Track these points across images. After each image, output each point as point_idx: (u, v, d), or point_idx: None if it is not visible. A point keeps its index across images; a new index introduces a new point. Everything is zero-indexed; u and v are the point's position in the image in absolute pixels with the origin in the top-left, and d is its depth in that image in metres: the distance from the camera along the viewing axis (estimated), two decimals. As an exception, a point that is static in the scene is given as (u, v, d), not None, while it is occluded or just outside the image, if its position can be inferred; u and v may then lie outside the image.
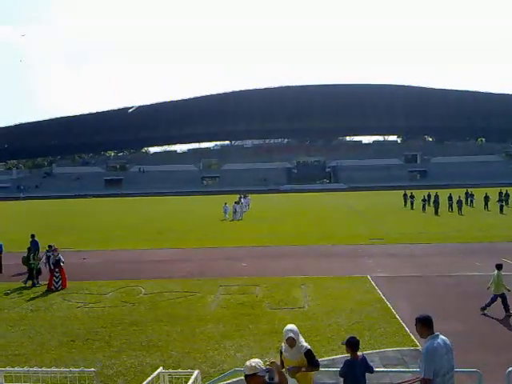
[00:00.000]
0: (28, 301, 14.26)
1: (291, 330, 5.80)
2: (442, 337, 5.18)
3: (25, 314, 12.92)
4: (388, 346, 9.75)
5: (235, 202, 40.04)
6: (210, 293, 14.40)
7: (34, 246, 19.11)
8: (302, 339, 5.96)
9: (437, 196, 37.80)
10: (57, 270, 15.65)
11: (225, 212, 38.29)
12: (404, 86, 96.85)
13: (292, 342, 5.74)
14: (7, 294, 15.06)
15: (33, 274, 16.35)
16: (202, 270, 18.06)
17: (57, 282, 15.54)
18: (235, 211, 38.39)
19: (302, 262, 18.92)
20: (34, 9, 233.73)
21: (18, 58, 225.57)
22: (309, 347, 5.92)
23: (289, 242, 24.51)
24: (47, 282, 15.77)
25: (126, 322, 11.89)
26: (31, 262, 16.38)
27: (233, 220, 36.98)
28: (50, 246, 16.81)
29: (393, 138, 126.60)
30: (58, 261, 15.88)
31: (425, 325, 5.18)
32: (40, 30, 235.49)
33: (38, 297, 14.72)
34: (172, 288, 15.09)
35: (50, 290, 15.34)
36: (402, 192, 46.77)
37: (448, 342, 5.18)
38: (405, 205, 43.76)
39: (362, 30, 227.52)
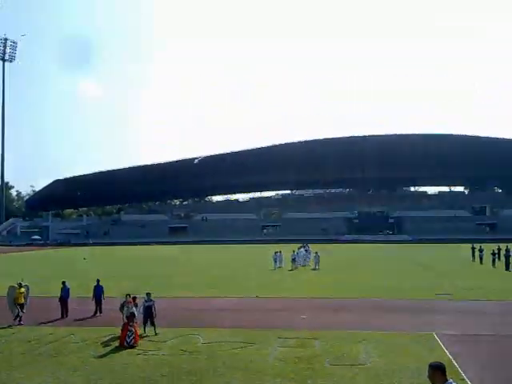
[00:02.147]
0: (90, 346, 14.58)
1: None
2: (455, 383, 5.33)
3: (86, 359, 13.17)
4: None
5: (293, 251, 39.80)
6: (268, 345, 14.17)
7: (98, 291, 19.83)
8: None
9: (508, 250, 35.79)
10: (131, 323, 14.50)
11: (275, 261, 37.98)
12: (469, 135, 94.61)
13: None
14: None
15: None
16: (260, 320, 17.86)
17: (129, 337, 14.33)
18: (294, 260, 38.08)
19: (363, 316, 18.31)
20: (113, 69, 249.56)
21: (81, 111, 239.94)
22: None
23: (350, 294, 23.87)
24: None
25: (185, 371, 11.87)
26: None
27: (292, 269, 36.67)
28: (128, 295, 16.26)
29: (459, 188, 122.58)
30: (133, 314, 14.88)
31: (442, 372, 5.28)
32: (110, 89, 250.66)
33: (99, 342, 15.01)
34: (230, 338, 14.98)
35: (121, 347, 14.18)
36: (470, 245, 44.78)
37: None
38: (473, 259, 41.76)
39: (423, 79, 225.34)
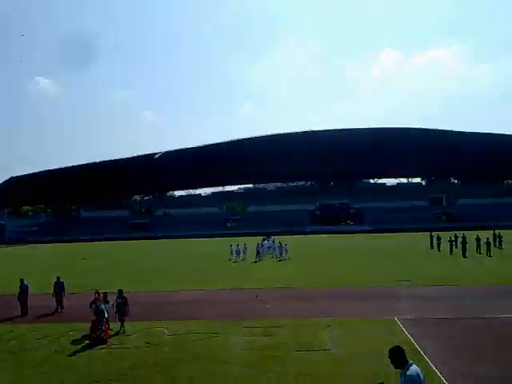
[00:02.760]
0: (52, 342, 14.27)
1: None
2: (414, 364, 5.80)
3: (49, 354, 12.91)
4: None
5: (258, 244, 40.02)
6: (234, 334, 14.22)
7: (58, 287, 19.41)
8: None
9: (464, 237, 37.04)
10: (99, 320, 14.18)
11: (237, 253, 38.64)
12: (425, 128, 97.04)
13: None
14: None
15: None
16: (224, 311, 17.92)
17: (100, 330, 14.10)
18: (258, 252, 38.39)
19: (327, 304, 18.61)
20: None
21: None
22: None
23: (314, 283, 24.21)
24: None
25: (150, 363, 11.79)
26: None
27: (256, 261, 36.84)
28: (96, 292, 15.94)
29: (417, 180, 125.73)
30: (102, 310, 14.46)
31: (402, 354, 5.74)
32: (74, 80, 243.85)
33: (62, 338, 14.71)
34: (195, 329, 14.94)
35: (92, 340, 14.00)
36: (428, 234, 46.06)
37: (420, 369, 5.82)
38: (431, 247, 42.95)
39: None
